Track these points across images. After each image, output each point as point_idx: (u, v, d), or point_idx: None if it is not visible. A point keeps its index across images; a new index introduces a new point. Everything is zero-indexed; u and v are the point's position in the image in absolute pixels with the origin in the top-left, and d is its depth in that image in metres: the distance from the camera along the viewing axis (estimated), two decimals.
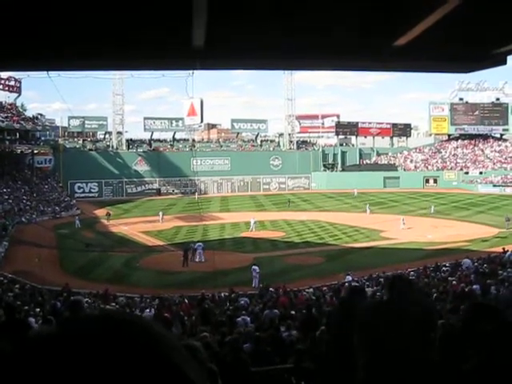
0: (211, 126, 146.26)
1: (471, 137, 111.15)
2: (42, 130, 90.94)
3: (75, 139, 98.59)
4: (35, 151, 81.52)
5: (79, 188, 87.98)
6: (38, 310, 19.69)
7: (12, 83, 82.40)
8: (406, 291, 3.57)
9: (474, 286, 20.61)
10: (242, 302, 23.50)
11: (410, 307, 2.20)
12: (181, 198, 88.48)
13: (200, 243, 42.87)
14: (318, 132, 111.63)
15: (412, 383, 1.98)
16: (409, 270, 32.19)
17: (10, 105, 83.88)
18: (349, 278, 30.70)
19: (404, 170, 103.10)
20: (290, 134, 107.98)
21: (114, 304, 22.26)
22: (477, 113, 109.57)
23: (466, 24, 4.96)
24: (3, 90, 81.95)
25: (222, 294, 27.30)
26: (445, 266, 32.61)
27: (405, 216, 57.19)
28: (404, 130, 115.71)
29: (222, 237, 52.62)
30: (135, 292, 30.00)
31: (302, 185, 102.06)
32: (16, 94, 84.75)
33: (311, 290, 28.18)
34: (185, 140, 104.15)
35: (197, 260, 40.87)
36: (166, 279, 35.80)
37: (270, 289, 27.49)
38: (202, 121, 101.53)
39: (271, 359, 10.24)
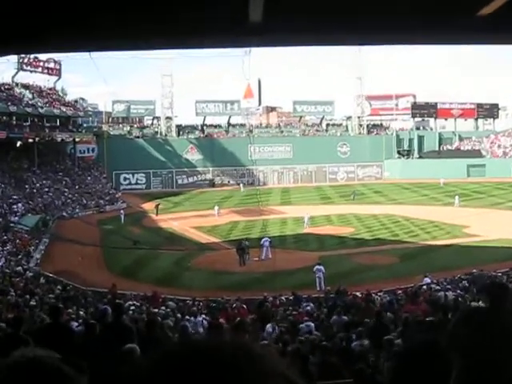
0: (270, 109, 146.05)
1: None
2: (84, 116, 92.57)
3: (120, 125, 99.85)
4: (77, 139, 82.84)
5: (125, 179, 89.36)
6: (81, 313, 20.14)
7: (51, 65, 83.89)
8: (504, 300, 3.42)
9: None
10: (308, 308, 23.44)
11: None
12: (237, 189, 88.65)
13: (267, 238, 42.82)
14: (392, 114, 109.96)
15: None
16: (497, 271, 31.44)
17: (50, 89, 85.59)
18: (427, 280, 30.24)
19: (491, 156, 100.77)
20: (359, 117, 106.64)
21: (163, 308, 22.52)
22: None
23: None
24: (42, 72, 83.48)
25: (283, 298, 27.28)
26: None
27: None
28: (490, 111, 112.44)
29: (283, 233, 52.68)
30: (186, 295, 30.28)
31: (374, 174, 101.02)
32: (56, 78, 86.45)
33: (382, 293, 27.84)
34: (241, 125, 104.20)
35: (263, 257, 40.90)
36: (221, 280, 36.04)
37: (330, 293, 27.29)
38: (260, 103, 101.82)
39: (339, 371, 10.20)
